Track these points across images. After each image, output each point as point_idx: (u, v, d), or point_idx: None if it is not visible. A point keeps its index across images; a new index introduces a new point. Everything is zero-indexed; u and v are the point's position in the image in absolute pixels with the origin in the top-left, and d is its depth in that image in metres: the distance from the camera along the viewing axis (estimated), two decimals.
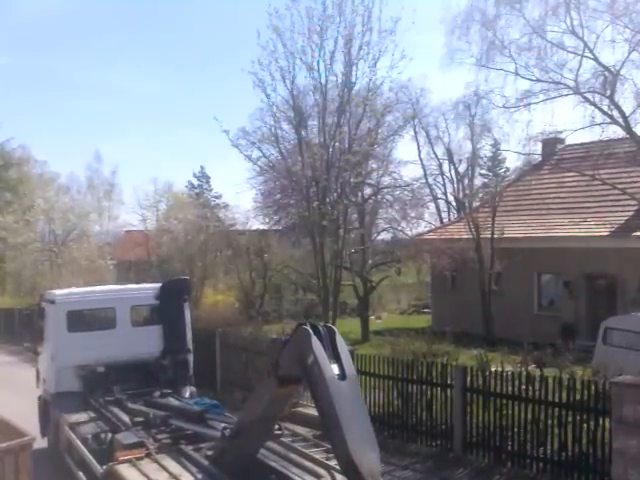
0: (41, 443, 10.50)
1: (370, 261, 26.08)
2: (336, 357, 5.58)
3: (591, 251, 21.04)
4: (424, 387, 11.05)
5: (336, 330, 5.78)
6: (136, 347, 10.71)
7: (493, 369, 12.36)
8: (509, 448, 9.81)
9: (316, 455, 7.37)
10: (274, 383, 6.13)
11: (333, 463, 6.88)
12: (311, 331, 5.64)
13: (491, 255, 23.51)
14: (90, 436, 8.74)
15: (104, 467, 7.56)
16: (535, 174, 25.89)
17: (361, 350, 18.90)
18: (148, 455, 7.45)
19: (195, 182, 57.07)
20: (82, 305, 10.93)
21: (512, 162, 55.72)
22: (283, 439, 7.75)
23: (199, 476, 6.85)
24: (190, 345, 11.44)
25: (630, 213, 21.05)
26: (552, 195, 24.05)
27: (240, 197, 60.28)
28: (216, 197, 51.67)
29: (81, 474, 8.60)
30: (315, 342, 5.53)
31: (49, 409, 10.95)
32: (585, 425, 9.06)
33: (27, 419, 10.02)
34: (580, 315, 21.62)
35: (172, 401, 9.90)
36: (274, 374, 6.10)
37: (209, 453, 7.52)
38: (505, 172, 43.64)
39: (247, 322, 23.11)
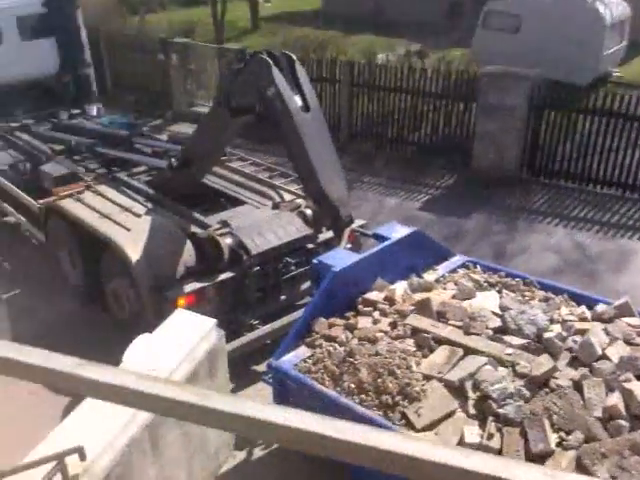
0: None
1: None
2: (298, 88, 5.30)
3: None
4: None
5: (295, 58, 5.44)
6: (31, 64, 9.69)
7: (380, 58, 12.90)
8: (389, 135, 10.96)
9: (262, 176, 7.27)
10: (226, 114, 5.77)
11: (278, 182, 7.10)
12: (271, 61, 5.25)
13: None
14: (7, 167, 7.94)
15: (41, 202, 6.87)
16: None
17: (251, 41, 18.68)
18: (88, 187, 6.84)
19: None
20: None
21: None
22: (230, 164, 7.53)
23: (149, 205, 6.47)
24: (89, 58, 10.62)
25: None
26: None
27: None
28: None
29: (11, 209, 7.92)
30: (276, 73, 5.20)
31: None
32: (455, 110, 10.18)
33: None
34: None
35: (84, 122, 9.20)
36: (225, 105, 5.73)
37: (146, 179, 7.17)
38: None
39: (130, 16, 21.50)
